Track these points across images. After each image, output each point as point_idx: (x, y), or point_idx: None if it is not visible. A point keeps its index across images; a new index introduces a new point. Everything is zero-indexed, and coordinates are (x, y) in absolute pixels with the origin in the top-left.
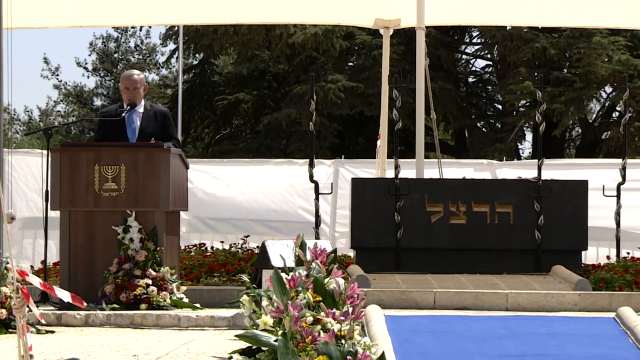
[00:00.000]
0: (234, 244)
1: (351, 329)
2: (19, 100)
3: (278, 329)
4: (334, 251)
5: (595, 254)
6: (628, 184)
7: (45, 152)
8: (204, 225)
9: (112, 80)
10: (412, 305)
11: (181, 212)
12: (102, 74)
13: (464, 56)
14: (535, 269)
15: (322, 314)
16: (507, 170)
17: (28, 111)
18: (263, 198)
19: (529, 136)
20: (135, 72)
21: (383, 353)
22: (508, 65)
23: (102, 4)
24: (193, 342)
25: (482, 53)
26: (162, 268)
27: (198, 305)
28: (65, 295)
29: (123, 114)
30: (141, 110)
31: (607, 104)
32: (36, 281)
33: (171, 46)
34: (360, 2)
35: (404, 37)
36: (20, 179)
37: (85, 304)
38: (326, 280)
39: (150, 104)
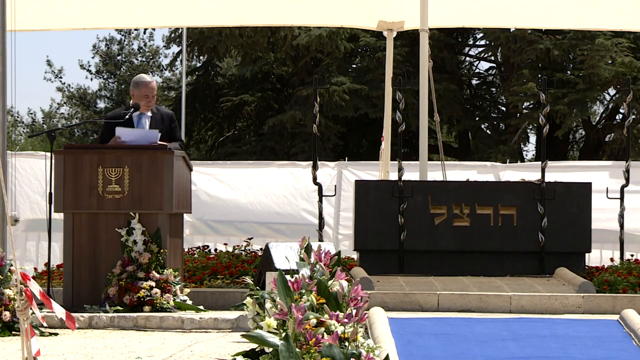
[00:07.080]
0: (238, 246)
1: (355, 332)
2: (22, 103)
3: (281, 331)
4: (338, 253)
5: (598, 257)
6: (631, 186)
7: (48, 154)
8: (207, 228)
9: (116, 83)
10: (416, 308)
11: (185, 215)
12: (105, 77)
13: (467, 58)
14: (539, 271)
15: (326, 316)
16: (511, 173)
17: (31, 113)
18: (266, 200)
19: (532, 138)
20: (148, 77)
21: (387, 355)
22: (512, 67)
23: (105, 6)
24: (196, 345)
25: (486, 55)
26: (165, 270)
27: (201, 307)
28: (60, 312)
29: (127, 116)
30: (149, 113)
31: (610, 106)
32: (36, 289)
33: (175, 48)
34: (364, 4)
35: (408, 39)
36: (24, 181)
37: (86, 313)
38: (330, 282)
39: (156, 106)
